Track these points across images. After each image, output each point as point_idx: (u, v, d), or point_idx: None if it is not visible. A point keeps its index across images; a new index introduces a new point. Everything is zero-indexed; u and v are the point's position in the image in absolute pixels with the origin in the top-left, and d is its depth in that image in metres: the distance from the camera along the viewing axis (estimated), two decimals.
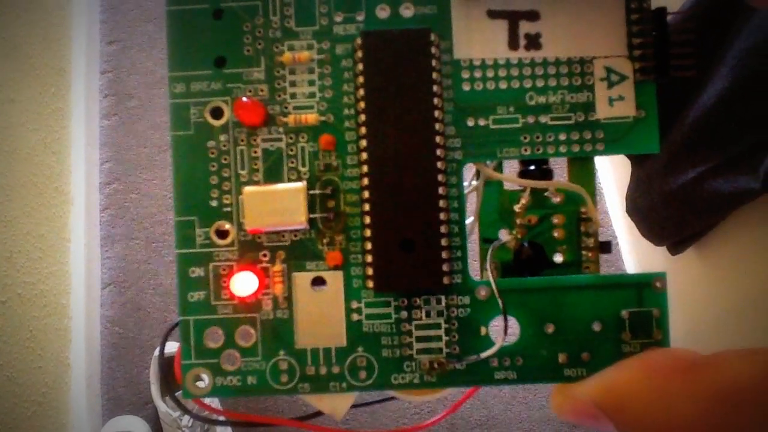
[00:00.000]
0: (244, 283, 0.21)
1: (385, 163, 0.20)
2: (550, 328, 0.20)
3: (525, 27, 0.20)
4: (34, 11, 0.75)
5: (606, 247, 0.21)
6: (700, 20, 0.29)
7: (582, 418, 0.18)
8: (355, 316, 0.20)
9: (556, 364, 0.20)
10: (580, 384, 0.18)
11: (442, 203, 0.20)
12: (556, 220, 0.21)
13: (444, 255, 0.20)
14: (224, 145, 0.21)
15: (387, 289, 0.20)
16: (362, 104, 0.20)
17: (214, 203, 0.21)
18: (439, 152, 0.20)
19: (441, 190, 0.20)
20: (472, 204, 0.22)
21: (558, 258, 0.21)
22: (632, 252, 0.76)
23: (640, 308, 0.20)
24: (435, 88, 0.20)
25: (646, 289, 0.20)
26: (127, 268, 0.85)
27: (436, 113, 0.20)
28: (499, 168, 0.22)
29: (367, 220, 0.20)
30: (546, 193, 0.21)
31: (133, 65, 0.92)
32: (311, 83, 0.21)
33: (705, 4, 0.29)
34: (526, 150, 0.20)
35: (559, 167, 0.23)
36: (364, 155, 0.20)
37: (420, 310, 0.20)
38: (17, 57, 0.70)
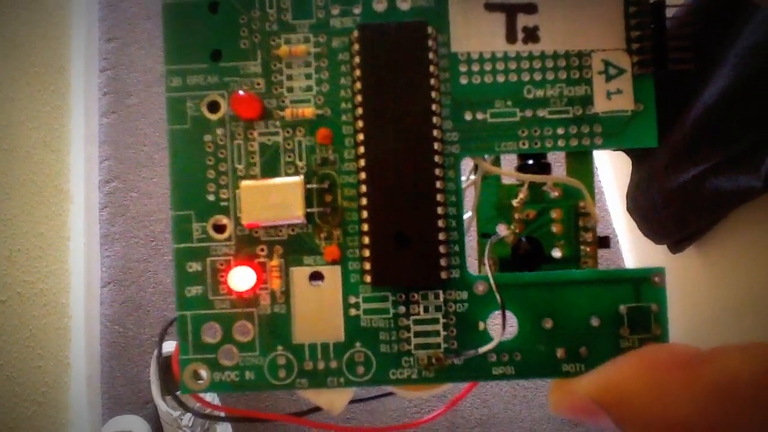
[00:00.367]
0: (241, 278, 0.20)
1: (382, 157, 0.19)
2: (548, 324, 0.20)
3: (523, 20, 0.20)
4: (33, 9, 0.75)
5: (604, 241, 0.21)
6: (701, 15, 0.29)
7: (580, 414, 0.17)
8: (352, 311, 0.20)
9: (554, 360, 0.20)
10: (578, 380, 0.18)
11: (439, 197, 0.20)
12: (554, 214, 0.21)
13: (442, 250, 0.19)
14: (221, 139, 0.21)
15: (384, 284, 0.20)
16: (359, 98, 0.20)
17: (211, 197, 0.21)
18: (436, 146, 0.20)
19: (439, 185, 0.20)
20: (469, 198, 0.21)
21: (556, 253, 0.21)
22: (632, 250, 0.76)
23: (638, 303, 0.20)
24: (432, 81, 0.20)
25: (644, 284, 0.20)
26: (127, 267, 0.85)
27: (434, 107, 0.20)
28: (497, 162, 0.22)
29: (365, 214, 0.20)
30: (544, 188, 0.21)
31: (132, 63, 0.92)
32: (308, 77, 0.21)
33: (706, 0, 0.29)
34: (523, 144, 0.20)
35: (558, 162, 0.23)
36: (361, 149, 0.20)
37: (418, 305, 0.20)
38: (16, 55, 0.70)
